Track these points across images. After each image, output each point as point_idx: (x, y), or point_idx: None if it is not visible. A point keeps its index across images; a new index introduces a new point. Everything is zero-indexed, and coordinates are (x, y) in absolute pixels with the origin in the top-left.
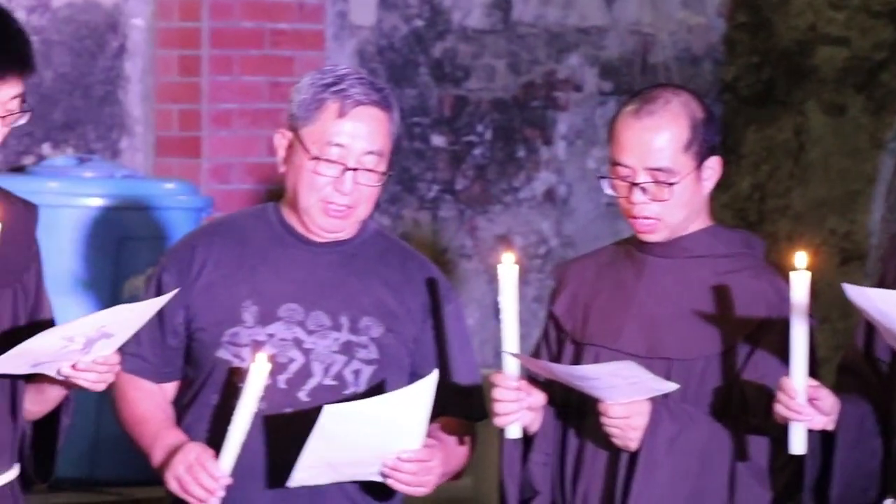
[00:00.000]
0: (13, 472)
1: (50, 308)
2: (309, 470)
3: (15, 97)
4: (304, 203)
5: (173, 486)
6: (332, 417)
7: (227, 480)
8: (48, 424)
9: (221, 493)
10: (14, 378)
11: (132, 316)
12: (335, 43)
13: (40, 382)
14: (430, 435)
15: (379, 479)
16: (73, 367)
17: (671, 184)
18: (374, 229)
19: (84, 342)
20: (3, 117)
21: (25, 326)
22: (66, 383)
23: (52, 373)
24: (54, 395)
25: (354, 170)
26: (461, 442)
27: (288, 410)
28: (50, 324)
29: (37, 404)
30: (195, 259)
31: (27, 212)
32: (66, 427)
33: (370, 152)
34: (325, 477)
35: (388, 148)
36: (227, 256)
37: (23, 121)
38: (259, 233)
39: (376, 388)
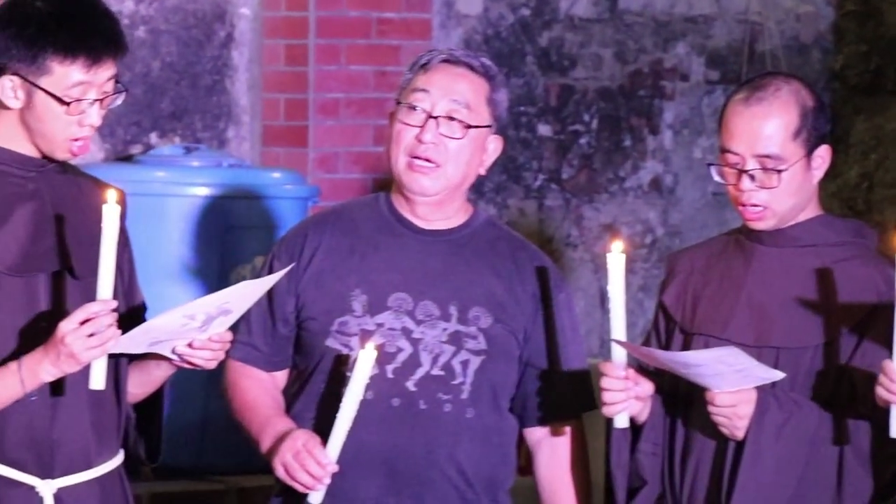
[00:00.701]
0: (119, 458)
1: (142, 294)
2: None
3: (110, 79)
4: (394, 165)
5: (280, 472)
6: None
7: (334, 468)
8: (149, 407)
9: (327, 480)
10: (116, 362)
11: (250, 292)
12: (441, 32)
13: (145, 364)
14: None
15: None
16: (189, 345)
17: (779, 171)
18: (485, 219)
19: (203, 320)
20: (101, 99)
21: (126, 312)
22: (176, 363)
23: (166, 352)
24: (160, 375)
25: (437, 118)
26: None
27: (395, 400)
28: (142, 307)
29: (140, 387)
30: (306, 247)
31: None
32: (167, 412)
33: (454, 100)
34: None
35: (480, 107)
36: (338, 245)
37: (118, 101)
38: (370, 221)
39: (483, 379)
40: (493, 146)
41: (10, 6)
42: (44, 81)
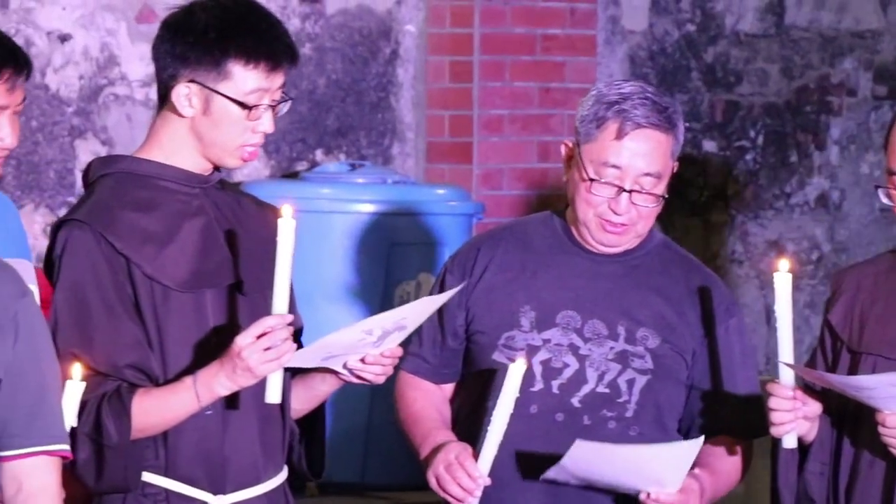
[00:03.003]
0: (284, 473)
1: (298, 313)
2: (560, 475)
3: (280, 87)
4: (581, 217)
5: (433, 483)
6: (583, 452)
7: (486, 481)
8: (311, 422)
9: (478, 493)
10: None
11: (425, 308)
12: (606, 48)
13: (309, 379)
14: (700, 460)
15: (632, 493)
16: (361, 360)
17: None
18: (659, 240)
19: (379, 335)
20: (273, 106)
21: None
22: (345, 378)
23: (338, 367)
24: (324, 391)
25: (630, 191)
26: (734, 464)
27: (559, 415)
28: (299, 329)
29: (304, 402)
30: (478, 261)
31: (274, 215)
32: (330, 428)
33: (647, 174)
34: (578, 483)
35: (667, 169)
36: (510, 261)
37: (284, 110)
38: (543, 239)
39: (649, 398)
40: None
41: (184, 15)
42: (223, 87)
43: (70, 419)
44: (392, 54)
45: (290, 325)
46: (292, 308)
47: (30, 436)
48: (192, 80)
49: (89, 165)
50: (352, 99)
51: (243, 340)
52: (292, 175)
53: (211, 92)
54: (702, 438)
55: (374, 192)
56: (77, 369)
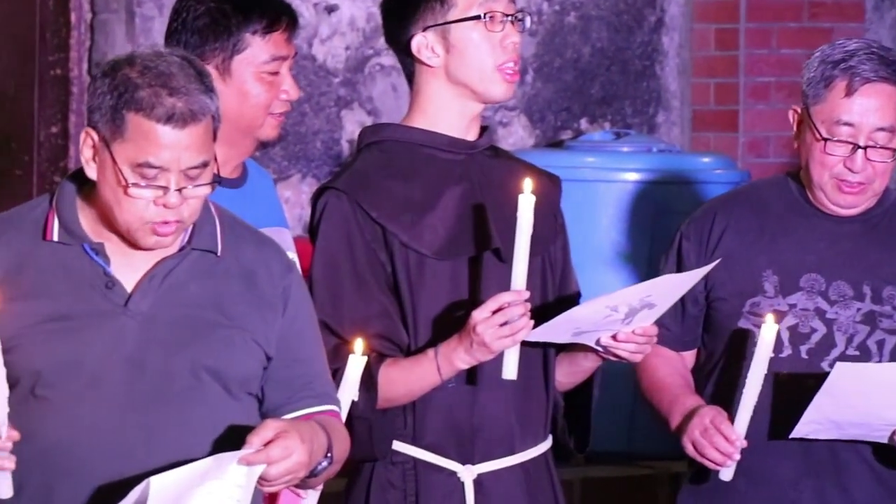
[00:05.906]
0: (547, 443)
1: (576, 282)
2: (812, 424)
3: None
4: (816, 179)
5: (689, 449)
6: (843, 375)
7: (743, 443)
8: (580, 396)
9: (737, 457)
10: (545, 351)
11: (675, 286)
12: (875, 14)
13: (574, 354)
14: None
15: (884, 441)
16: (613, 337)
17: None
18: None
19: (626, 312)
20: (513, 21)
21: (557, 302)
22: (602, 355)
23: (590, 342)
24: (588, 366)
25: (865, 148)
26: None
27: (811, 381)
28: (576, 296)
29: (568, 375)
30: (715, 226)
31: (551, 184)
32: (596, 398)
33: (881, 129)
34: (827, 433)
35: None
36: (747, 225)
37: (528, 22)
38: (779, 202)
39: None
40: None
41: None
42: (452, 15)
43: (352, 392)
44: (657, 22)
45: (566, 298)
46: (566, 276)
47: (302, 400)
48: (424, 30)
49: (361, 132)
50: (617, 67)
51: (479, 315)
52: (557, 144)
53: (445, 26)
54: None
55: (640, 161)
56: (359, 344)
